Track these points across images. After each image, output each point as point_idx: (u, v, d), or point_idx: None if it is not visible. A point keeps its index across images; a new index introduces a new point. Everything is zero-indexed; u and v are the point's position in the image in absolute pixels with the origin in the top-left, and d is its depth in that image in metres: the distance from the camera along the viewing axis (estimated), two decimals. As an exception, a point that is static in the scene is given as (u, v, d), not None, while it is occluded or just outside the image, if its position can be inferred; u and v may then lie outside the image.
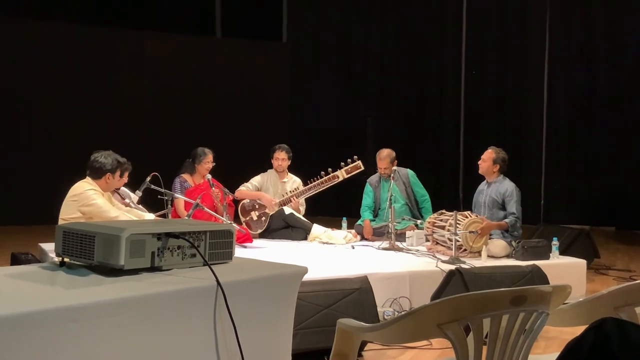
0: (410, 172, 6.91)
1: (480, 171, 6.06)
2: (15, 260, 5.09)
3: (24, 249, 5.73)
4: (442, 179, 11.66)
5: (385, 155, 6.77)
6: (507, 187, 5.86)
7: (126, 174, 5.75)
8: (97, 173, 4.99)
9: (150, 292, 1.95)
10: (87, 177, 5.06)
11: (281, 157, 7.00)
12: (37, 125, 10.48)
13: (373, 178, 6.95)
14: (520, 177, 9.91)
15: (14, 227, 9.51)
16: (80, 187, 4.98)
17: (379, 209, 6.88)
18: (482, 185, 6.12)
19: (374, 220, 6.83)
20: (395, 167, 6.69)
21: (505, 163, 5.96)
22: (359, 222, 6.92)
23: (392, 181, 6.45)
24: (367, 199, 6.95)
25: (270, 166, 7.11)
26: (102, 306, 1.82)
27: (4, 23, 10.41)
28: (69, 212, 4.90)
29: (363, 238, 6.71)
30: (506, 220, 5.73)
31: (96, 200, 4.87)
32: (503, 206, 5.85)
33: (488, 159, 5.98)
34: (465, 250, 5.55)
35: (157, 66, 11.45)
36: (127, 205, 5.74)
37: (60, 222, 4.92)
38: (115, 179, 5.13)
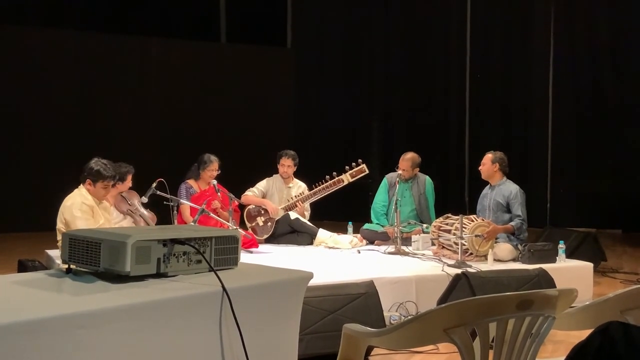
0: (428, 180, 6.88)
1: (483, 176, 6.09)
2: (22, 267, 5.12)
3: (31, 256, 5.77)
4: (447, 183, 11.63)
5: (408, 157, 6.76)
6: (511, 189, 5.87)
7: (129, 177, 5.74)
8: (82, 177, 4.95)
9: (156, 298, 1.96)
10: (81, 184, 4.99)
11: (287, 164, 6.99)
12: (43, 131, 10.51)
13: (392, 176, 6.85)
14: (526, 180, 9.91)
15: (20, 234, 9.54)
16: (72, 197, 4.91)
17: (387, 210, 6.87)
18: (486, 189, 6.13)
19: (378, 223, 6.82)
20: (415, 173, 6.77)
21: (504, 162, 5.98)
22: (365, 226, 6.90)
23: (397, 186, 6.45)
24: (382, 194, 6.91)
25: (276, 171, 7.11)
26: (109, 313, 1.82)
27: (9, 30, 10.46)
28: (60, 222, 4.87)
29: (369, 242, 6.70)
30: (512, 223, 5.73)
31: (76, 223, 4.74)
32: (507, 209, 5.86)
33: (487, 161, 6.02)
34: (471, 254, 5.55)
35: (162, 72, 11.47)
36: (134, 209, 5.76)
37: (57, 231, 4.90)
38: (97, 189, 4.94)
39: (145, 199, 5.72)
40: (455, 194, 11.76)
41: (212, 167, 6.73)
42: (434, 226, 6.03)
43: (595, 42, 11.16)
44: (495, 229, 5.60)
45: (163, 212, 5.93)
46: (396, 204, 6.18)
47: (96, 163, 4.96)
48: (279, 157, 7.04)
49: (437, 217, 6.38)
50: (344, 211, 9.70)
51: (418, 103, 12.18)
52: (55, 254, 5.33)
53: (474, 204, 6.50)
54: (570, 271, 5.46)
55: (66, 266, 2.20)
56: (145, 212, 6.00)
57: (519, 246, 5.64)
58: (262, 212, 6.89)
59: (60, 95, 10.64)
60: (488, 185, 6.11)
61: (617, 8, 10.93)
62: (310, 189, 6.97)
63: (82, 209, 4.81)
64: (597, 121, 11.05)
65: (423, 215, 6.77)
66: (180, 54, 11.66)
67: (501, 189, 5.93)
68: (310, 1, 12.94)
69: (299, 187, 7.13)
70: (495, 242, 5.67)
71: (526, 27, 11.64)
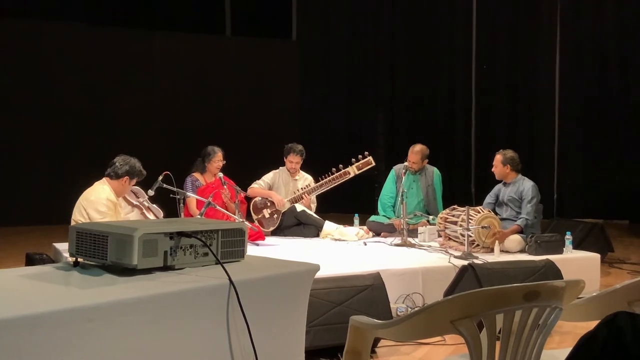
0: (436, 172, 6.88)
1: (497, 177, 6.15)
2: (30, 261, 5.13)
3: (39, 249, 5.77)
4: (453, 174, 11.61)
5: (417, 150, 6.76)
6: (525, 186, 5.94)
7: None
8: (117, 175, 5.01)
9: (164, 291, 1.96)
10: (105, 178, 5.05)
11: (295, 161, 6.98)
12: (49, 125, 10.53)
13: (399, 167, 6.86)
14: (533, 171, 9.87)
15: (28, 228, 9.58)
16: (96, 192, 4.94)
17: (395, 201, 6.86)
18: (500, 185, 6.16)
19: (384, 215, 6.82)
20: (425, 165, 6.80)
21: (514, 161, 5.99)
22: (371, 218, 6.90)
23: (404, 177, 6.45)
24: (390, 186, 6.90)
25: (282, 163, 7.11)
26: (117, 306, 1.83)
27: (14, 24, 10.47)
28: (80, 215, 4.90)
29: (375, 234, 6.70)
30: (518, 222, 5.77)
31: (104, 219, 4.79)
32: (521, 204, 5.91)
33: (498, 163, 6.07)
34: (477, 245, 5.54)
35: (167, 65, 11.47)
36: (140, 203, 5.77)
37: (73, 223, 4.93)
38: (131, 184, 5.15)
39: (152, 192, 5.72)
40: (462, 186, 11.75)
41: (217, 157, 6.74)
42: (440, 218, 6.03)
43: (602, 32, 11.09)
44: (504, 234, 5.61)
45: (169, 206, 5.94)
46: (402, 195, 6.18)
47: (128, 161, 5.04)
48: (287, 153, 7.01)
49: (444, 208, 6.39)
50: (350, 203, 9.71)
51: (424, 94, 12.16)
52: (62, 247, 5.35)
53: (481, 195, 6.50)
54: (577, 262, 5.45)
55: (74, 259, 2.21)
56: (152, 205, 6.01)
57: (528, 237, 5.65)
58: (269, 204, 6.90)
59: (66, 89, 10.66)
60: (502, 182, 6.14)
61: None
62: (316, 181, 6.97)
63: (108, 205, 4.89)
64: (603, 111, 10.99)
65: (431, 207, 6.76)
66: (185, 47, 11.65)
67: (517, 186, 5.99)
68: (315, -7, 12.91)
69: (305, 179, 7.13)
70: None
71: (532, 18, 11.58)
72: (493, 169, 6.12)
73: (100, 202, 4.86)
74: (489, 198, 6.22)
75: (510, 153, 6.04)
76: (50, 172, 10.29)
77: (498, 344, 2.00)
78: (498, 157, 6.06)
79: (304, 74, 12.67)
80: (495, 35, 11.84)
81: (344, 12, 12.68)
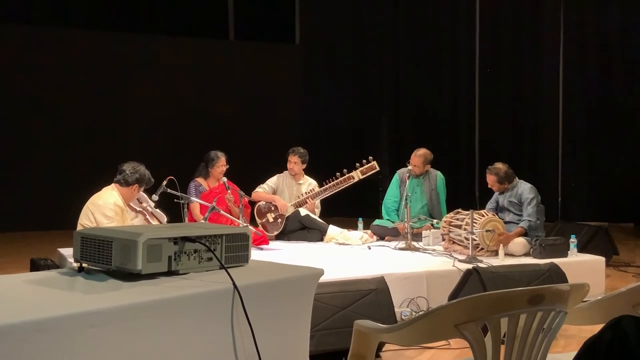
0: (440, 175, 6.87)
1: (496, 192, 6.15)
2: (35, 266, 5.14)
3: (43, 255, 5.79)
4: (457, 177, 11.58)
5: (420, 154, 6.76)
6: (523, 189, 5.95)
7: None
8: (127, 182, 5.06)
9: (168, 296, 1.97)
10: (114, 184, 5.08)
11: (293, 161, 7.00)
12: (54, 131, 10.55)
13: (403, 171, 6.88)
14: (537, 174, 9.87)
15: (33, 233, 9.60)
16: (104, 197, 4.98)
17: (398, 206, 6.86)
18: (497, 194, 6.17)
19: (388, 219, 6.82)
20: (428, 169, 6.79)
21: (507, 174, 6.01)
22: (375, 222, 6.90)
23: (407, 181, 6.45)
24: (394, 190, 6.91)
25: (286, 167, 7.12)
26: (121, 311, 1.83)
27: (20, 30, 10.51)
28: (86, 219, 4.93)
29: (379, 238, 6.70)
30: (521, 224, 5.76)
31: (111, 223, 4.85)
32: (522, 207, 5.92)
33: (493, 182, 6.08)
34: (482, 249, 5.54)
35: (170, 70, 11.49)
36: (144, 209, 5.78)
37: (79, 227, 4.95)
38: (139, 191, 5.22)
39: (156, 197, 5.72)
40: (466, 190, 11.73)
41: (220, 162, 6.73)
42: (445, 221, 6.03)
43: (605, 33, 11.06)
44: (507, 237, 5.61)
45: (173, 211, 5.94)
46: (406, 199, 6.18)
47: (138, 170, 5.10)
48: (288, 154, 7.05)
49: (448, 212, 6.38)
50: (354, 207, 9.69)
51: (427, 98, 12.14)
52: (67, 252, 5.36)
53: (485, 199, 6.51)
54: (582, 265, 5.43)
55: (78, 265, 2.21)
56: (155, 210, 6.02)
57: (533, 240, 5.64)
58: (273, 208, 6.90)
59: (70, 95, 10.68)
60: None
61: (627, 1, 10.85)
62: (320, 185, 6.98)
63: (115, 210, 4.94)
64: (608, 114, 10.96)
65: (435, 211, 6.75)
66: (188, 52, 11.67)
67: (515, 190, 6.01)
68: (318, -3, 12.93)
69: (309, 184, 7.13)
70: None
71: (535, 21, 11.56)
72: (490, 186, 6.13)
73: (108, 207, 4.90)
74: (490, 204, 6.24)
75: (502, 170, 6.01)
76: (55, 178, 10.30)
77: (503, 348, 2.00)
78: (492, 178, 6.03)
79: (308, 78, 12.67)
80: (499, 38, 11.82)
81: (347, 15, 12.68)
